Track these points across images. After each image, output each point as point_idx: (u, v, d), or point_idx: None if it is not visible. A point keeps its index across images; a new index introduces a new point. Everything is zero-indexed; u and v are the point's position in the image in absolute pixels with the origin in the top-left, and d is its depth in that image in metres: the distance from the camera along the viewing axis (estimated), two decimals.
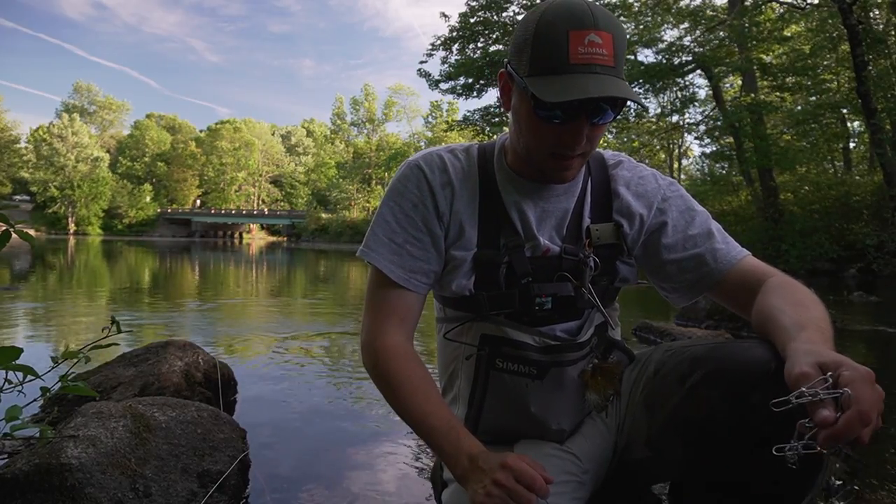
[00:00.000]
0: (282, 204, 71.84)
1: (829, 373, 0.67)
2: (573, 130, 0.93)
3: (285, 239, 57.80)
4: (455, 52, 20.56)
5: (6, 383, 1.23)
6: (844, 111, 17.19)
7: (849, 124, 19.38)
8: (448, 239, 1.08)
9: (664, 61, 17.28)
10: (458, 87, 20.70)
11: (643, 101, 1.13)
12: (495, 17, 19.53)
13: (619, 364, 1.09)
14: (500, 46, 19.27)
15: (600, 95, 0.86)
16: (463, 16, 19.83)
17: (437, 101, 57.42)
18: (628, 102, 0.94)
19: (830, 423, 0.63)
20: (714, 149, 20.24)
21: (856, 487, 0.69)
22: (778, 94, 17.88)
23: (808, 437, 0.65)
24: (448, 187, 1.08)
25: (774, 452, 0.68)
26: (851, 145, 21.11)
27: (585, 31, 0.87)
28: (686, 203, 1.11)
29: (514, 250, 1.05)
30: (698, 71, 17.89)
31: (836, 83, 17.36)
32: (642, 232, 1.10)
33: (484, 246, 1.06)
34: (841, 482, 0.66)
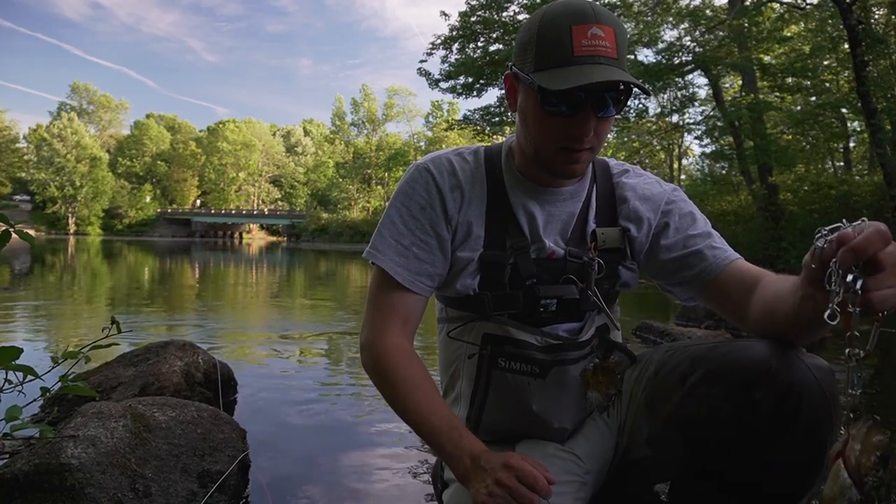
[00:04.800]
0: (282, 204, 71.84)
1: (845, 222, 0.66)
2: (580, 122, 0.94)
3: (285, 239, 57.81)
4: (455, 51, 20.55)
5: (6, 383, 1.23)
6: (844, 111, 17.18)
7: (849, 124, 19.36)
8: (455, 241, 1.08)
9: (664, 61, 17.28)
10: (459, 87, 20.67)
11: (647, 87, 1.12)
12: (495, 16, 19.51)
13: (620, 363, 1.10)
14: (501, 46, 19.24)
15: (605, 80, 0.88)
16: (463, 15, 19.82)
17: (437, 101, 57.49)
18: (630, 98, 0.97)
19: (850, 238, 0.61)
20: (714, 149, 20.24)
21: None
22: (778, 94, 17.88)
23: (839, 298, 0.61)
24: (457, 190, 1.08)
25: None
26: (851, 145, 21.09)
27: (587, 25, 0.89)
28: (688, 207, 1.13)
29: (519, 252, 1.06)
30: (698, 71, 17.89)
31: (836, 83, 17.35)
32: (650, 235, 1.11)
33: (490, 247, 1.07)
34: (857, 354, 0.61)
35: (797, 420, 0.85)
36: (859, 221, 0.63)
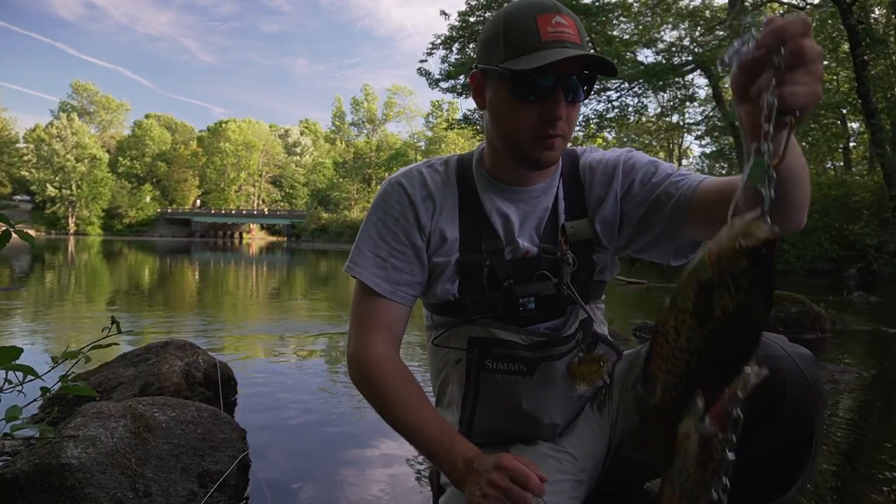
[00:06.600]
0: (282, 204, 71.86)
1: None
2: (553, 105, 0.96)
3: (285, 239, 57.82)
4: (455, 51, 20.59)
5: (6, 383, 1.23)
6: (844, 111, 17.20)
7: (849, 124, 19.37)
8: (430, 249, 1.10)
9: (664, 61, 17.29)
10: (458, 87, 20.72)
11: (615, 65, 1.12)
12: None
13: (605, 355, 1.11)
14: None
15: (579, 54, 0.92)
16: (462, 14, 19.85)
17: (437, 101, 57.57)
18: (593, 86, 1.01)
19: (775, 21, 0.57)
20: (714, 149, 20.26)
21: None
22: None
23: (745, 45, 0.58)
24: (429, 200, 1.10)
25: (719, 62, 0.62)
26: (851, 145, 21.09)
27: (551, 15, 0.94)
28: (647, 158, 1.12)
29: (494, 254, 1.07)
30: (698, 71, 17.91)
31: (836, 83, 17.36)
32: (618, 204, 1.10)
33: (466, 251, 1.09)
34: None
35: (781, 408, 0.86)
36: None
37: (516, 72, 0.94)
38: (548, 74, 0.93)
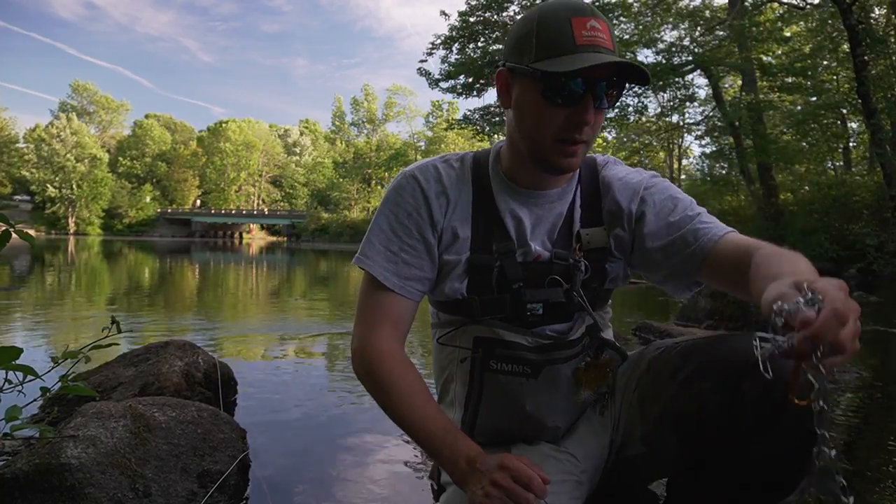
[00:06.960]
0: (282, 204, 71.86)
1: (806, 285, 0.64)
2: (582, 111, 0.95)
3: (285, 239, 57.83)
4: (455, 51, 20.56)
5: (6, 383, 1.23)
6: (844, 111, 17.19)
7: (849, 124, 19.36)
8: (441, 246, 1.09)
9: (664, 61, 17.28)
10: (459, 87, 20.71)
11: (647, 71, 1.14)
12: (495, 16, 19.53)
13: (611, 361, 1.11)
14: (501, 46, 19.25)
15: (615, 61, 0.91)
16: (463, 15, 19.83)
17: (437, 101, 57.60)
18: (622, 95, 1.00)
19: (810, 323, 0.59)
20: (714, 149, 20.27)
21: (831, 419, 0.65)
22: (778, 94, 17.91)
23: (783, 342, 0.61)
24: (443, 196, 1.09)
25: (755, 342, 0.64)
26: (851, 145, 21.07)
27: (586, 18, 0.93)
28: (668, 191, 1.10)
29: (505, 255, 1.06)
30: (698, 71, 17.89)
31: (836, 83, 17.36)
32: (632, 226, 1.10)
33: (477, 251, 1.08)
34: (821, 407, 0.63)
35: (785, 410, 0.85)
36: (811, 294, 0.62)
37: (548, 73, 0.92)
38: (579, 79, 0.92)
